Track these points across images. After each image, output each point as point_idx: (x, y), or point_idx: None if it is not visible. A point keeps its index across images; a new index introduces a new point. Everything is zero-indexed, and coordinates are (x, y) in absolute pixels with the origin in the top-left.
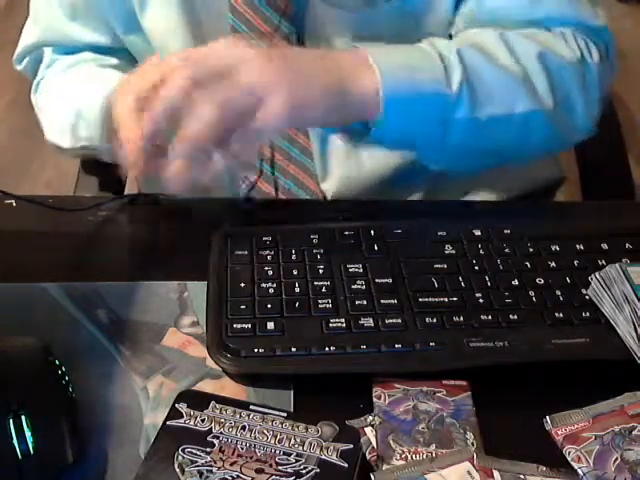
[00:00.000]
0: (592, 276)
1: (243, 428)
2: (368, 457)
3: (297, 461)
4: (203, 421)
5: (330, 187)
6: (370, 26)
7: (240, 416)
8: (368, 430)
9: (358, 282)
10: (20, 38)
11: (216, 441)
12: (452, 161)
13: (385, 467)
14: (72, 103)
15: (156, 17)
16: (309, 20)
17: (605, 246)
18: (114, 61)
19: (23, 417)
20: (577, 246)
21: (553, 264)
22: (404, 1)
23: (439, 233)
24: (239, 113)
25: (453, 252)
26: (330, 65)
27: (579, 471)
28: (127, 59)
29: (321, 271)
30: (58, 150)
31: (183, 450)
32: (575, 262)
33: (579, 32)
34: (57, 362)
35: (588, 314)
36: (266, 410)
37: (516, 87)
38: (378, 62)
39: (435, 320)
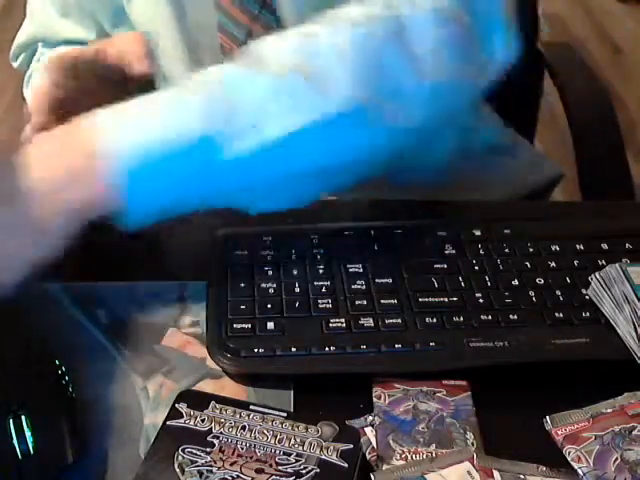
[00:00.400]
0: (592, 276)
1: (243, 428)
2: (368, 457)
3: (297, 461)
4: (203, 421)
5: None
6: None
7: (240, 416)
8: (368, 430)
9: (358, 282)
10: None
11: (216, 441)
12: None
13: (385, 467)
14: None
15: (142, 9)
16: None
17: (605, 246)
18: None
19: (23, 417)
20: (577, 246)
21: (553, 264)
22: None
23: (439, 233)
24: None
25: (453, 252)
26: None
27: (579, 471)
28: None
29: (321, 271)
30: None
31: (183, 450)
32: (575, 262)
33: None
34: (57, 362)
35: (588, 314)
36: (266, 410)
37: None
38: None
39: (435, 320)
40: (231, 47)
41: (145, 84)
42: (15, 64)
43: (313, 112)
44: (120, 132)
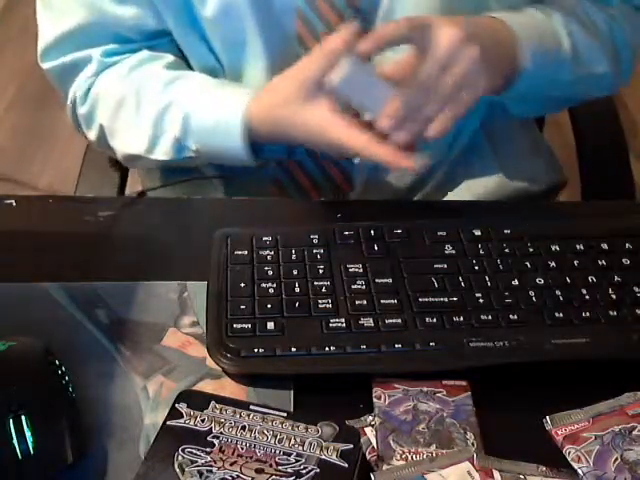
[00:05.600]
0: None
1: (243, 428)
2: (368, 457)
3: (297, 461)
4: (203, 421)
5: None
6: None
7: (240, 416)
8: (368, 430)
9: (358, 282)
10: (39, 34)
11: (216, 441)
12: (529, 106)
13: (385, 467)
14: (170, 116)
15: (216, 2)
16: (388, 5)
17: (605, 246)
18: (170, 58)
19: (23, 417)
20: (577, 246)
21: (553, 264)
22: None
23: (439, 233)
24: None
25: (453, 252)
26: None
27: (579, 471)
28: (171, 45)
29: (321, 271)
30: (132, 161)
31: (183, 450)
32: (575, 262)
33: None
34: (57, 362)
35: (588, 314)
36: (266, 410)
37: (600, 52)
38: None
39: (435, 320)
40: (307, 37)
41: None
42: (47, 64)
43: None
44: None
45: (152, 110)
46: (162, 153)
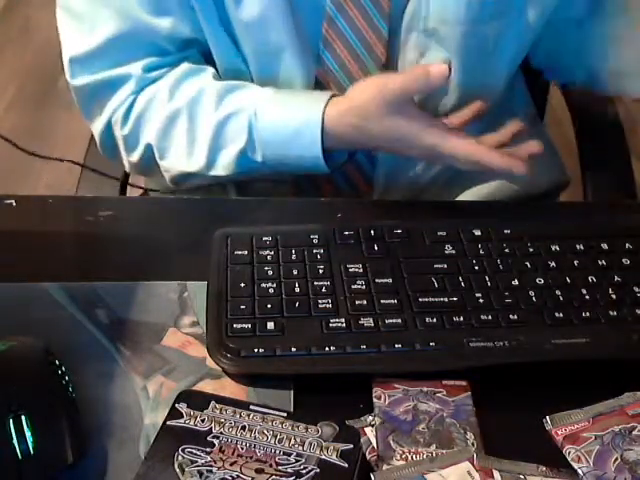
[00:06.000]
0: None
1: (243, 428)
2: (368, 457)
3: (297, 461)
4: (203, 421)
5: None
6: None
7: (240, 416)
8: (368, 430)
9: (358, 282)
10: (65, 48)
11: (216, 441)
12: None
13: (385, 467)
14: (231, 127)
15: (252, 7)
16: (412, 12)
17: (605, 246)
18: (213, 69)
19: (23, 417)
20: (577, 246)
21: (553, 264)
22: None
23: (439, 233)
24: None
25: (453, 252)
26: None
27: (579, 471)
28: (200, 56)
29: (321, 271)
30: (184, 180)
31: (183, 450)
32: (575, 262)
33: None
34: (57, 362)
35: (588, 314)
36: (266, 410)
37: None
38: None
39: (435, 320)
40: (334, 40)
41: None
42: (77, 81)
43: None
44: None
45: (210, 123)
46: (222, 168)
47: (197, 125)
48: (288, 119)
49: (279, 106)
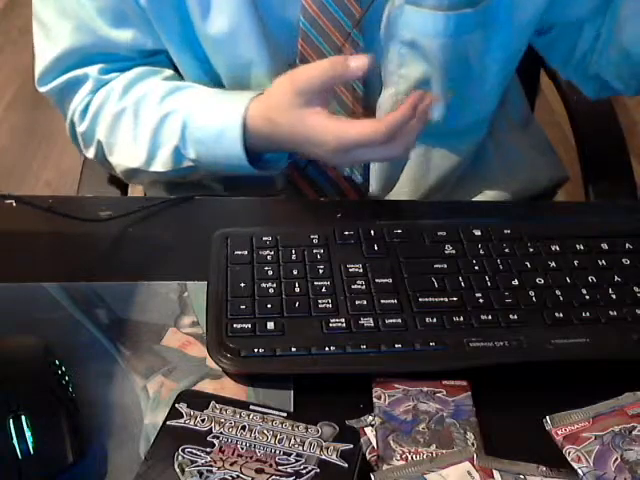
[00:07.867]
0: None
1: (243, 428)
2: (368, 457)
3: (297, 461)
4: (203, 421)
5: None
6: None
7: (240, 416)
8: (368, 430)
9: (358, 282)
10: (36, 57)
11: (216, 441)
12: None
13: (385, 467)
14: (168, 126)
15: (222, 22)
16: (387, 24)
17: (605, 246)
18: (169, 72)
19: (23, 417)
20: (577, 246)
21: (553, 264)
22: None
23: (439, 233)
24: None
25: (453, 252)
26: None
27: (579, 471)
28: (169, 62)
29: (321, 271)
30: (131, 176)
31: (183, 450)
32: (575, 262)
33: None
34: (57, 362)
35: (588, 314)
36: (266, 410)
37: None
38: None
39: (435, 320)
40: (310, 55)
41: None
42: (45, 88)
43: None
44: None
45: (150, 121)
46: (161, 164)
47: (139, 123)
48: (215, 119)
49: (210, 106)
